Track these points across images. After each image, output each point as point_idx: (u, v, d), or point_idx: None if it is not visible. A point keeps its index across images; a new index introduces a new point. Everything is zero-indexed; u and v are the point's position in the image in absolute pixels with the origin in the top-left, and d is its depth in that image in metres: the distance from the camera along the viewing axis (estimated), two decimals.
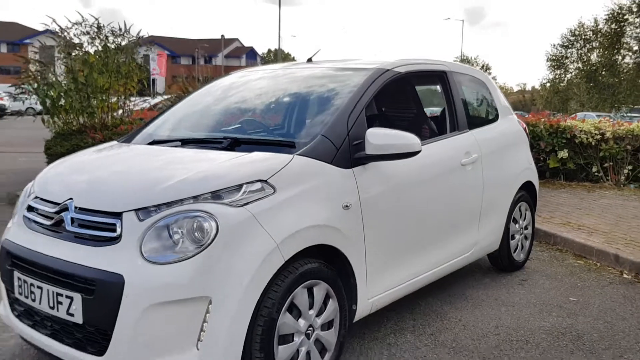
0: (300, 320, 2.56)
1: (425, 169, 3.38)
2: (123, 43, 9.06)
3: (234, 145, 2.92)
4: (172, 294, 2.25)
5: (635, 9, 37.89)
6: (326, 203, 2.70)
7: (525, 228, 4.70)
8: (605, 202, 7.45)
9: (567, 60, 42.98)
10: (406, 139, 2.92)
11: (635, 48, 38.36)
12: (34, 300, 2.56)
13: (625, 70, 38.27)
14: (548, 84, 47.59)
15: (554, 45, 46.95)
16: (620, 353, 3.14)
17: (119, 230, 2.38)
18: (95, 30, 8.70)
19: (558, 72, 44.75)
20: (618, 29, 38.28)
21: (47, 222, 2.64)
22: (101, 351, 2.33)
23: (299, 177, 2.63)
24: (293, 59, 35.31)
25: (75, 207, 2.55)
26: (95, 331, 2.35)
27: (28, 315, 2.67)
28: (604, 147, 8.96)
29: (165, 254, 2.30)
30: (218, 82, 4.01)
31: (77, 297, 2.36)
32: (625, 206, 7.13)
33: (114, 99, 8.90)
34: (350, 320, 2.90)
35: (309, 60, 3.94)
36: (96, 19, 8.80)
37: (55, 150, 8.06)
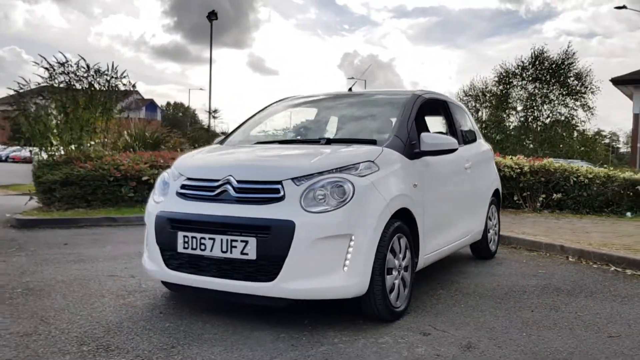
0: (394, 260, 3.64)
1: (449, 166, 4.64)
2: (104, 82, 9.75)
3: (328, 143, 4.02)
4: (327, 232, 3.26)
5: (518, 73, 42.95)
6: (404, 180, 3.84)
7: (495, 225, 6.07)
8: (531, 220, 9.11)
9: None
10: (448, 139, 4.17)
11: (519, 108, 43.12)
12: (203, 250, 3.44)
13: (511, 127, 42.71)
14: None
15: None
16: (589, 294, 4.46)
17: (282, 192, 3.38)
18: (85, 69, 9.37)
19: None
20: (505, 91, 43.05)
21: (211, 193, 3.56)
22: (271, 278, 3.27)
23: (389, 161, 3.77)
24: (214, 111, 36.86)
25: (237, 181, 3.51)
26: (267, 263, 3.29)
27: (191, 265, 3.52)
28: (522, 179, 10.78)
29: (319, 206, 3.32)
30: (279, 104, 5.09)
31: (252, 240, 3.30)
32: (548, 222, 8.81)
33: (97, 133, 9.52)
34: (414, 269, 4.00)
35: (350, 89, 5.14)
36: (83, 59, 9.49)
37: (47, 178, 8.55)
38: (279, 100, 5.19)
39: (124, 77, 9.75)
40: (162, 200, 3.81)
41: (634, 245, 6.34)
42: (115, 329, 3.36)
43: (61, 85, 9.27)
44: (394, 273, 3.62)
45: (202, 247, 3.45)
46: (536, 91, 43.17)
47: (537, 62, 42.41)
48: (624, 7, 28.59)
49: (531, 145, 42.41)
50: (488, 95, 44.70)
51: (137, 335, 3.27)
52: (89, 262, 5.36)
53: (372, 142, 4.00)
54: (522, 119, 43.58)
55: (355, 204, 3.35)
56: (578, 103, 42.42)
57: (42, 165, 8.95)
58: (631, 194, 10.59)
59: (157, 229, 3.68)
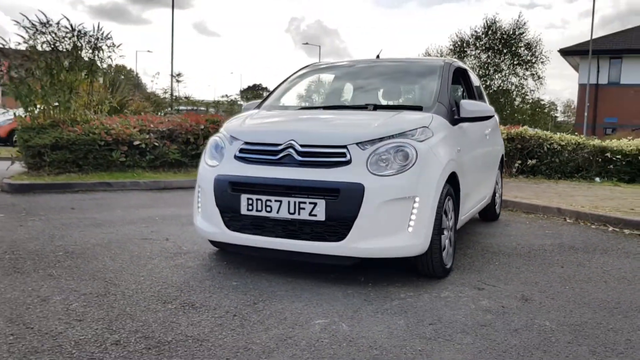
0: (446, 220, 3.85)
1: (477, 132, 4.86)
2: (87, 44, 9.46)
3: (376, 109, 4.15)
4: (394, 194, 3.43)
5: (472, 43, 43.97)
6: (451, 146, 4.03)
7: (500, 189, 6.39)
8: (513, 184, 9.55)
9: None
10: (486, 106, 4.38)
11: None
12: (269, 212, 3.54)
13: None
14: None
15: None
16: (603, 252, 4.83)
17: (348, 156, 3.51)
18: (68, 29, 9.05)
19: None
20: (460, 59, 44.06)
21: (273, 157, 3.65)
22: (340, 238, 3.43)
23: (439, 127, 3.94)
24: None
25: (301, 145, 3.61)
26: (336, 224, 3.43)
27: (255, 226, 3.63)
28: None
29: (384, 170, 3.47)
30: (308, 71, 5.15)
31: (321, 202, 3.43)
32: (530, 186, 9.28)
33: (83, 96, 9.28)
34: (455, 228, 4.23)
35: (377, 56, 5.24)
36: (66, 18, 9.15)
37: (37, 142, 8.33)
38: (307, 66, 5.25)
39: (109, 38, 9.47)
40: (217, 164, 3.87)
41: (621, 207, 6.81)
42: (186, 288, 3.45)
43: (44, 47, 8.93)
44: (445, 233, 3.84)
45: (268, 209, 3.55)
46: (489, 60, 44.47)
47: (489, 32, 43.63)
48: None
49: None
50: None
51: (212, 293, 3.37)
52: (110, 226, 5.35)
53: (419, 108, 4.16)
54: None
55: (418, 167, 3.51)
56: (528, 72, 44.16)
57: (27, 129, 8.67)
58: (600, 160, 11.21)
59: (217, 192, 3.75)
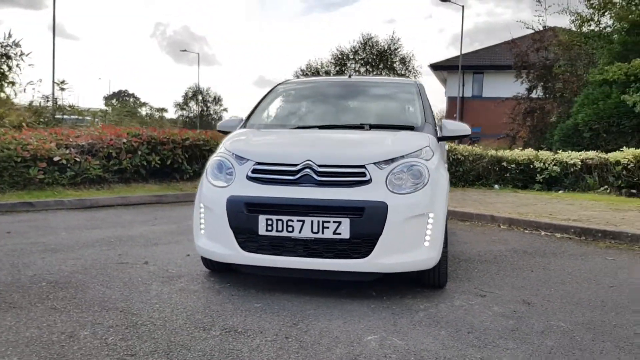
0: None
1: (444, 147, 5.22)
2: None
3: (372, 128, 4.34)
4: (413, 211, 3.63)
5: (351, 57, 46.05)
6: (444, 162, 4.32)
7: None
8: None
9: None
10: (464, 126, 4.72)
11: None
12: (290, 232, 3.58)
13: None
14: None
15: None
16: (554, 255, 5.39)
17: (368, 176, 3.65)
18: None
19: None
20: (340, 72, 45.97)
21: (291, 177, 3.69)
22: (364, 255, 3.56)
23: (436, 146, 4.20)
24: None
25: (318, 165, 3.69)
26: (361, 242, 3.56)
27: (273, 246, 3.64)
28: None
29: (401, 189, 3.66)
30: (285, 89, 5.20)
31: (345, 220, 3.54)
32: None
33: None
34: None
35: (349, 76, 5.42)
36: None
37: None
38: (281, 84, 5.31)
39: (18, 45, 8.76)
40: (226, 185, 3.83)
41: (542, 212, 7.57)
42: (214, 313, 3.39)
43: None
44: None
45: (290, 228, 3.59)
46: (367, 74, 46.92)
47: (366, 47, 46.12)
48: None
49: None
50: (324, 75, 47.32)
51: (244, 317, 3.34)
52: (70, 251, 5.02)
53: (411, 128, 4.40)
54: None
55: (430, 185, 3.75)
56: None
57: None
58: (497, 169, 12.29)
59: (230, 213, 3.70)
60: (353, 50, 45.92)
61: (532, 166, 11.79)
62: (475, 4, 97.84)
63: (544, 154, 12.03)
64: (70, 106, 18.43)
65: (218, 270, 4.31)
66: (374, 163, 3.71)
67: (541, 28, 23.13)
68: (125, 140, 9.29)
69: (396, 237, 3.57)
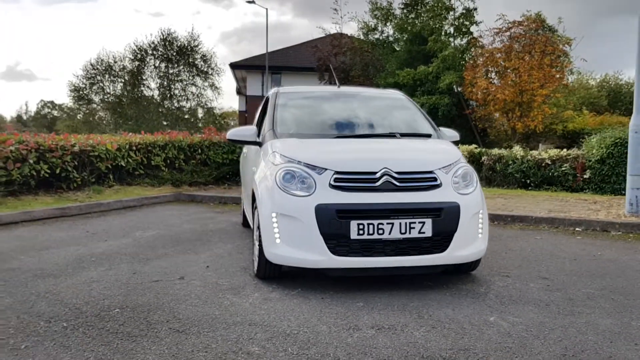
0: None
1: None
2: None
3: (402, 136, 4.84)
4: (474, 209, 4.23)
5: (150, 52, 44.96)
6: None
7: None
8: None
9: (90, 92, 46.29)
10: (455, 132, 5.42)
11: (153, 85, 45.42)
12: (381, 234, 3.93)
13: (150, 99, 44.88)
14: (80, 115, 49.70)
15: (77, 76, 49.84)
16: (515, 237, 6.41)
17: (439, 180, 4.15)
18: None
19: (81, 102, 47.62)
20: (139, 68, 44.53)
21: (373, 184, 4.02)
22: (443, 250, 4.06)
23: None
24: None
25: (396, 172, 4.08)
26: (441, 238, 4.04)
27: (363, 248, 3.94)
28: None
29: (462, 190, 4.24)
30: (288, 98, 5.38)
31: (428, 221, 4.00)
32: None
33: None
34: None
35: (339, 86, 5.75)
36: None
37: None
38: (282, 94, 5.48)
39: None
40: (308, 194, 3.99)
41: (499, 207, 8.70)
42: (341, 316, 3.55)
43: None
44: None
45: (380, 231, 3.93)
46: (168, 70, 46.16)
47: (166, 43, 45.37)
48: (252, 1, 32.10)
49: (165, 123, 45.41)
50: (119, 70, 45.64)
51: (371, 315, 3.56)
52: (72, 277, 4.61)
53: (428, 135, 4.99)
54: (158, 96, 46.39)
55: (479, 186, 4.39)
56: (207, 83, 47.63)
57: None
58: None
59: (321, 220, 3.89)
60: (152, 45, 44.62)
61: None
62: (241, 3, 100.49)
63: None
64: None
65: (270, 277, 4.39)
66: (440, 168, 4.23)
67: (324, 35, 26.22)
68: (12, 148, 8.25)
69: (465, 232, 4.14)
